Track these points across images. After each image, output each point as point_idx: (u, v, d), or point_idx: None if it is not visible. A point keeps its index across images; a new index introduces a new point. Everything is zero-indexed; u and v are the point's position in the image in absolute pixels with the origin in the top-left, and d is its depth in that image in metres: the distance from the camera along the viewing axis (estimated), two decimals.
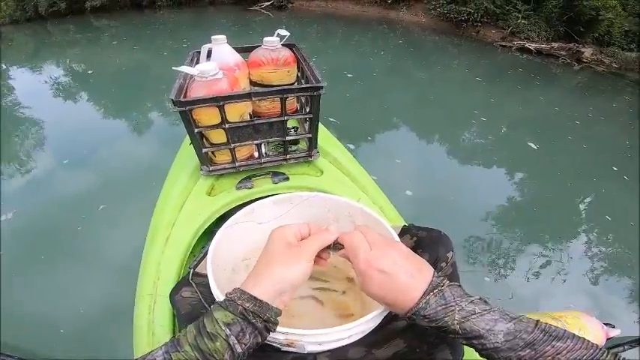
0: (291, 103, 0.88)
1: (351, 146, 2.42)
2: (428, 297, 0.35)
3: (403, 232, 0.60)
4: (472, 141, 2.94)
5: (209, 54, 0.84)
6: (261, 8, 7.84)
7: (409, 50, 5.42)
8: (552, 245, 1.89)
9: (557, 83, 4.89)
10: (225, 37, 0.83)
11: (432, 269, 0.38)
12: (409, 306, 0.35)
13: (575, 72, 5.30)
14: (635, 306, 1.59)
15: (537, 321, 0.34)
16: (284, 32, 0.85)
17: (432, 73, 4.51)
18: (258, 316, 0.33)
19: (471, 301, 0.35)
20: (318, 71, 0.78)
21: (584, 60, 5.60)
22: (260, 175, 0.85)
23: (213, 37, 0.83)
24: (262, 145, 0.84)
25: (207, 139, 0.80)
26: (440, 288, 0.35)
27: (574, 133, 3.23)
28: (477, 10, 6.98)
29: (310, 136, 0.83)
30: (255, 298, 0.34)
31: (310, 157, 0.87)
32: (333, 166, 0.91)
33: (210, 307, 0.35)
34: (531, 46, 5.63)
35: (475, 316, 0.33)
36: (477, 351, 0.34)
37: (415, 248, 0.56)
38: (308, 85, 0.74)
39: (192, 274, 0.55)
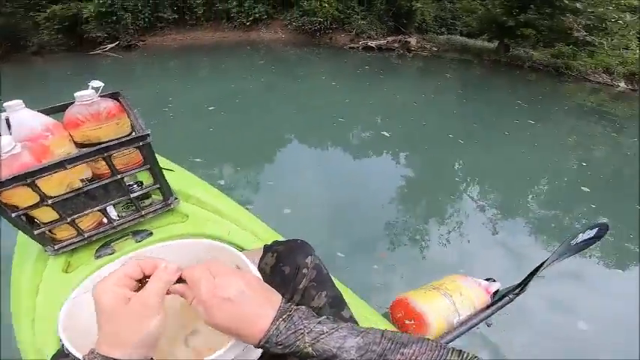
0: (133, 157, 0.78)
1: (222, 182, 2.28)
2: (277, 323, 0.35)
3: (265, 251, 0.63)
4: (336, 143, 3.11)
5: (8, 124, 0.72)
6: (105, 51, 7.11)
7: (275, 66, 5.72)
8: (436, 218, 2.10)
9: (396, 73, 5.86)
10: (21, 101, 0.73)
11: (279, 296, 0.38)
12: (260, 336, 0.34)
13: (408, 60, 6.47)
14: (512, 260, 1.82)
15: (383, 331, 0.35)
16: (97, 83, 0.79)
17: (301, 85, 4.86)
18: None
19: (319, 322, 0.35)
20: (142, 120, 0.76)
21: (412, 48, 6.85)
22: (120, 239, 0.79)
23: (5, 104, 0.71)
24: (108, 209, 0.77)
25: (37, 219, 0.70)
26: (288, 313, 0.36)
27: (415, 114, 3.97)
28: (325, 18, 7.87)
29: (158, 186, 0.80)
30: None
31: (169, 205, 0.84)
32: (198, 207, 0.89)
33: None
34: (372, 43, 6.61)
35: (324, 335, 0.34)
36: None
37: (277, 263, 0.59)
38: (129, 138, 0.69)
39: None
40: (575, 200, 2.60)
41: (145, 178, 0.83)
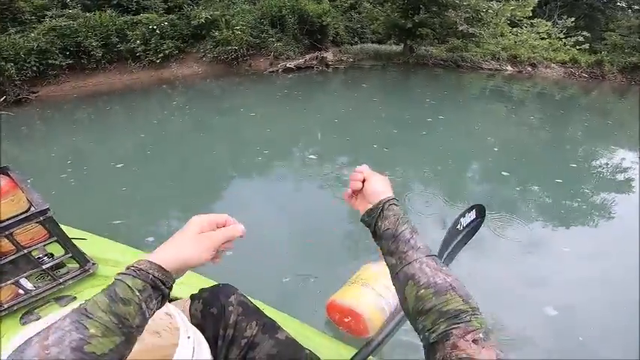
0: (37, 231, 0.82)
1: (150, 239, 2.15)
2: (393, 198, 0.55)
3: (192, 300, 0.69)
4: (264, 178, 3.02)
5: None
6: None
7: (192, 104, 5.42)
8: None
9: (316, 92, 6.01)
10: None
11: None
12: (387, 196, 0.54)
13: (329, 75, 6.72)
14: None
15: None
16: None
17: (220, 121, 4.66)
18: (164, 284, 0.39)
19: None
20: (38, 194, 0.79)
21: (330, 63, 7.14)
22: (42, 305, 0.84)
23: None
24: (21, 281, 0.81)
25: None
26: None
27: (338, 131, 4.06)
28: (240, 45, 7.78)
29: (70, 255, 0.85)
30: (162, 268, 0.39)
31: (87, 271, 0.88)
32: (120, 268, 0.90)
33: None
34: (291, 64, 6.71)
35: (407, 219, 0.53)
36: (400, 251, 0.48)
37: (204, 307, 0.67)
38: (28, 214, 0.72)
39: None
40: (500, 182, 2.93)
41: (56, 249, 0.88)
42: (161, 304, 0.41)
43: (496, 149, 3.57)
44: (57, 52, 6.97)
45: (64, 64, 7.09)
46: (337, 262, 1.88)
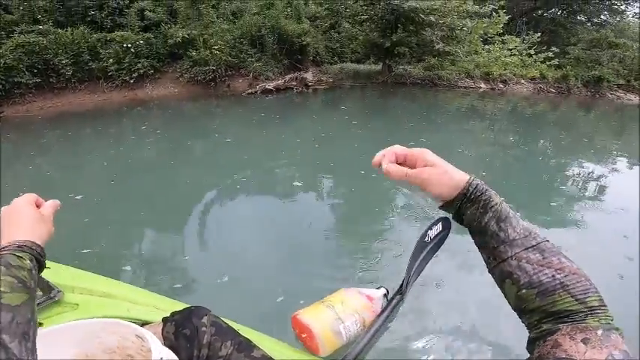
0: None
1: (128, 268, 2.10)
2: (473, 179, 0.42)
3: (164, 322, 0.71)
4: (244, 208, 2.95)
5: None
6: None
7: (165, 129, 5.19)
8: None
9: (294, 115, 5.92)
10: None
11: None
12: (464, 184, 0.42)
13: (308, 96, 6.71)
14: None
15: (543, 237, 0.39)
16: None
17: (192, 147, 4.46)
18: (41, 256, 0.48)
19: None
20: None
21: (310, 83, 7.14)
22: None
23: None
24: None
25: None
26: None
27: (320, 157, 3.97)
28: (218, 65, 7.66)
29: None
30: (37, 244, 0.48)
31: (52, 298, 0.88)
32: (87, 294, 0.95)
33: None
34: (270, 85, 6.66)
35: (503, 201, 0.41)
36: (490, 247, 0.40)
37: (177, 329, 0.67)
38: None
39: None
40: None
41: None
42: (39, 272, 0.48)
43: (484, 173, 3.58)
44: (24, 69, 6.62)
45: (30, 82, 6.74)
46: (315, 284, 1.88)
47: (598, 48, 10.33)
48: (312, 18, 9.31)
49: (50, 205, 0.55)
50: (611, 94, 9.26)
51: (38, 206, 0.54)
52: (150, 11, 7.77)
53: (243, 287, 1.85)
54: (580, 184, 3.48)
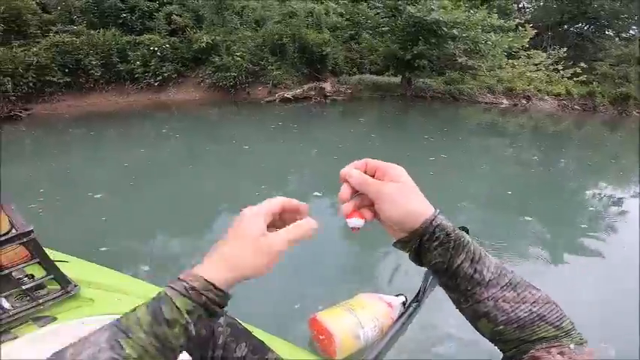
0: (18, 252, 0.84)
1: (146, 268, 2.14)
2: (439, 213, 0.37)
3: None
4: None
5: None
6: None
7: (184, 133, 5.31)
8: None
9: (312, 125, 5.95)
10: None
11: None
12: (427, 217, 0.36)
13: (326, 107, 6.70)
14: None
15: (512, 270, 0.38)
16: None
17: (210, 153, 4.53)
18: (218, 305, 0.34)
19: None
20: (20, 215, 0.80)
21: (328, 94, 7.16)
22: (20, 325, 0.83)
23: None
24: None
25: None
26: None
27: (338, 169, 3.96)
28: (239, 72, 7.81)
29: (52, 276, 0.86)
30: (218, 288, 0.33)
31: (69, 293, 0.88)
32: (103, 290, 0.96)
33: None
34: (289, 94, 6.71)
35: (472, 241, 0.37)
36: (462, 289, 0.37)
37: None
38: (10, 236, 0.74)
39: None
40: (518, 226, 2.83)
41: (37, 270, 0.90)
42: (212, 320, 0.36)
43: (510, 192, 3.46)
44: (56, 68, 6.92)
45: (61, 81, 7.03)
46: (334, 288, 1.89)
47: (626, 64, 9.93)
48: (332, 28, 9.38)
49: (293, 233, 0.36)
50: (637, 112, 8.85)
51: (283, 218, 0.39)
52: (177, 15, 8.03)
53: (260, 291, 1.85)
54: (607, 207, 3.36)
